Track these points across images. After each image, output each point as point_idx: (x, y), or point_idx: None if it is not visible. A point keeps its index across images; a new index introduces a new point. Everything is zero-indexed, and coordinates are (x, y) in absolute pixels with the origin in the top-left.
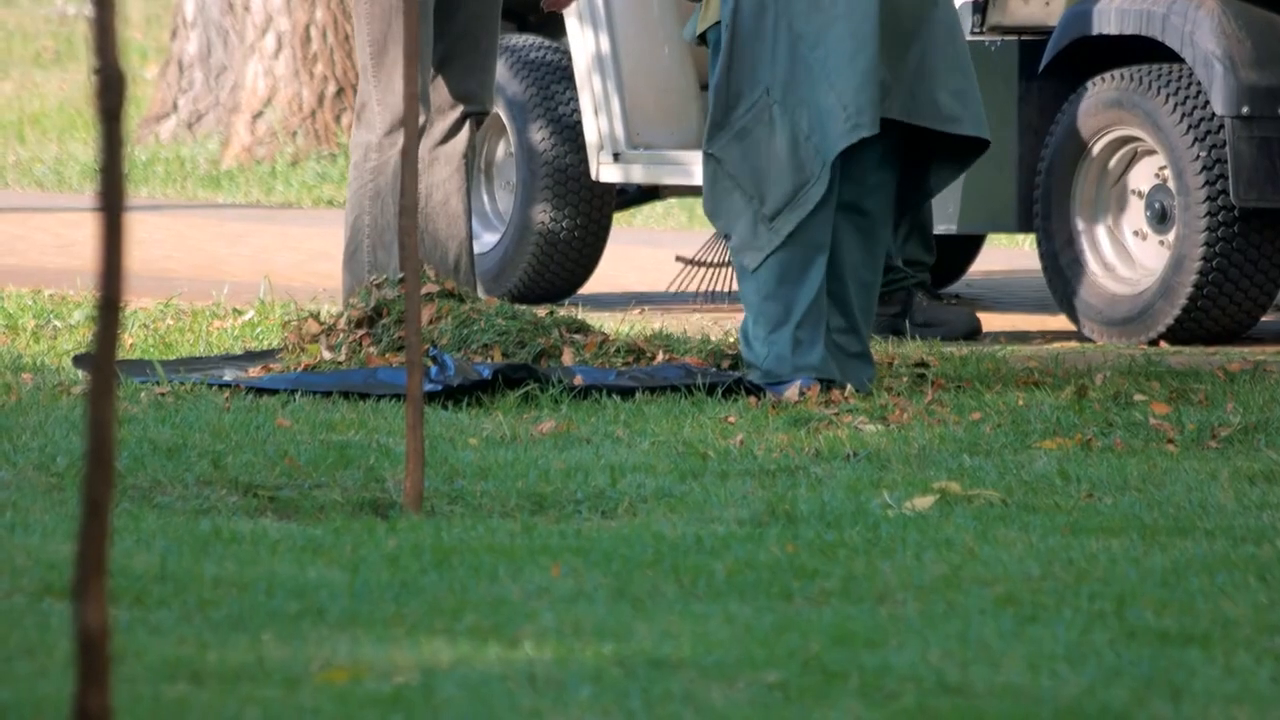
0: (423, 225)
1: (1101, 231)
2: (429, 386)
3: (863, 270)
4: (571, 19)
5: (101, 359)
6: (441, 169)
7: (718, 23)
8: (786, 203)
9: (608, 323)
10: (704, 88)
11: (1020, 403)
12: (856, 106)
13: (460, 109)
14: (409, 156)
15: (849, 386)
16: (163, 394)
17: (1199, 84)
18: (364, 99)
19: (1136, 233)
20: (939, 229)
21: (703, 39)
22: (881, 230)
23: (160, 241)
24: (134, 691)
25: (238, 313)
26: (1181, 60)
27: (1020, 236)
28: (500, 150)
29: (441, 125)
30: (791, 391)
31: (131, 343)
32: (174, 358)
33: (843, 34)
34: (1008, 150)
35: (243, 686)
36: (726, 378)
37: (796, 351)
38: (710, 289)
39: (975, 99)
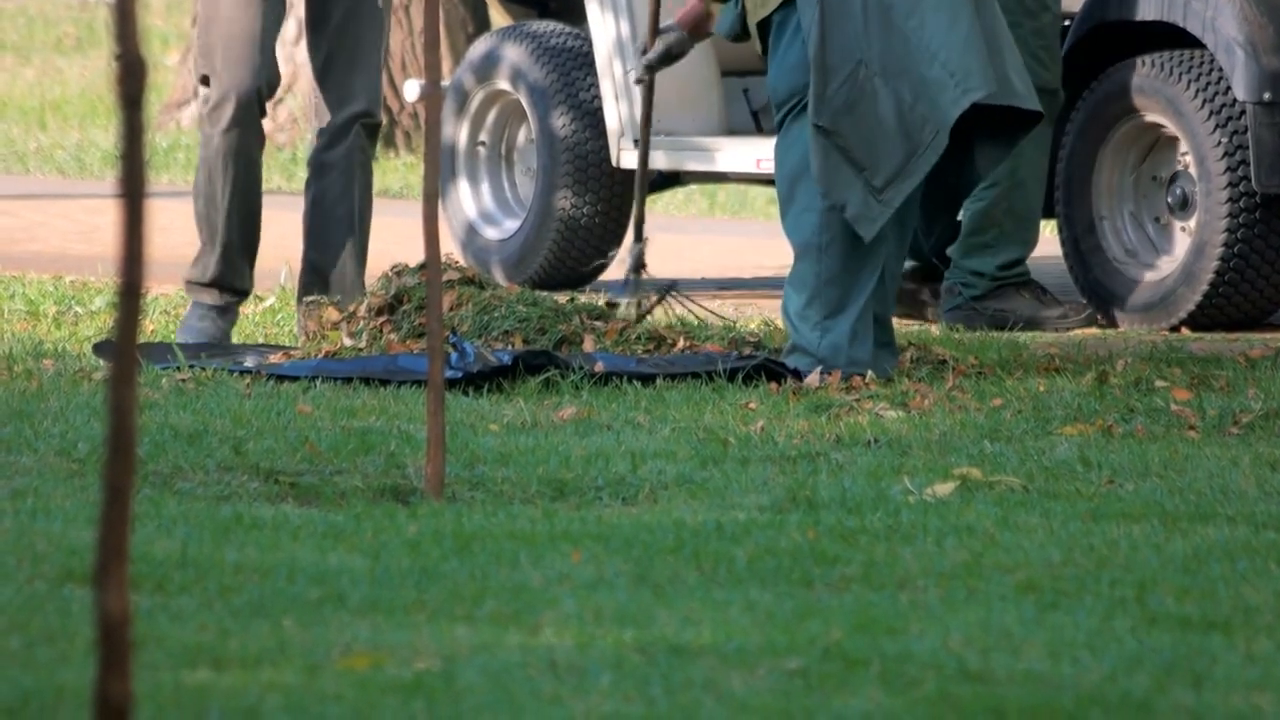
0: (314, 227)
1: (1123, 217)
2: (449, 373)
3: (893, 260)
4: (592, 5)
5: (122, 345)
6: (327, 175)
7: (780, 6)
8: (897, 173)
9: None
10: (725, 75)
11: (1041, 389)
12: (964, 71)
13: (346, 113)
14: (432, 143)
15: (869, 373)
16: (183, 380)
17: (1220, 70)
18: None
19: (1158, 219)
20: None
21: (743, 33)
22: (910, 220)
23: (181, 228)
24: (155, 678)
25: (259, 299)
26: (1203, 46)
27: (1042, 222)
28: (521, 136)
29: (327, 132)
30: (813, 377)
31: (152, 329)
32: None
33: (938, 2)
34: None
35: (264, 672)
36: (748, 361)
37: (854, 344)
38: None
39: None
